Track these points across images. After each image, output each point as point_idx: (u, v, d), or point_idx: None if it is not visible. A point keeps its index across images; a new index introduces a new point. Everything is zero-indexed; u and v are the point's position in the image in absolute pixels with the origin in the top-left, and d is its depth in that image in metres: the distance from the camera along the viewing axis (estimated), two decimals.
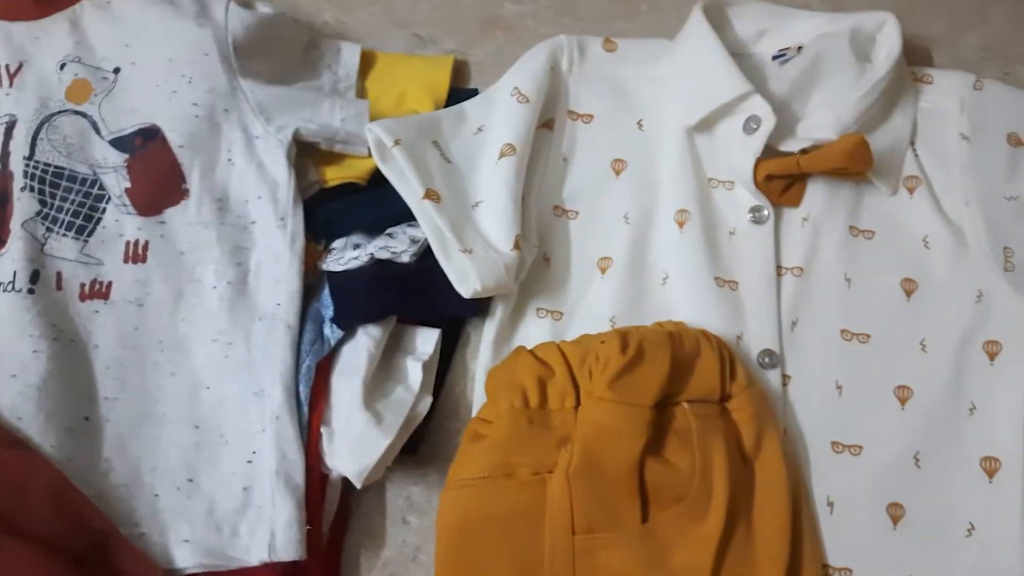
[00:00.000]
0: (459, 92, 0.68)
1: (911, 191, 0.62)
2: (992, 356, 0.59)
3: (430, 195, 0.57)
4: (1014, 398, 0.57)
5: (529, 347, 0.55)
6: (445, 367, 0.61)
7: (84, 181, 0.57)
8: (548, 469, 0.51)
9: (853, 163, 0.59)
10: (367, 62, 0.68)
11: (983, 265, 0.60)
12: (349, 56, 0.67)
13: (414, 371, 0.57)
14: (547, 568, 0.50)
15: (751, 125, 0.60)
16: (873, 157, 0.59)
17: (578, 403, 0.53)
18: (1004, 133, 0.63)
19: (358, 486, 0.53)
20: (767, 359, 0.58)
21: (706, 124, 0.62)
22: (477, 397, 0.59)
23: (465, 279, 0.55)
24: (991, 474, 0.56)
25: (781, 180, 0.61)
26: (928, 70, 0.65)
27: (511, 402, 0.52)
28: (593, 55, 0.66)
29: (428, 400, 0.57)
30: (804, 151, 0.59)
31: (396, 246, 0.58)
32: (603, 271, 0.61)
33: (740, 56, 0.66)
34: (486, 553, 0.51)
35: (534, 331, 0.60)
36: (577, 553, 0.50)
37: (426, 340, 0.59)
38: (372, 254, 0.58)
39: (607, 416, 0.51)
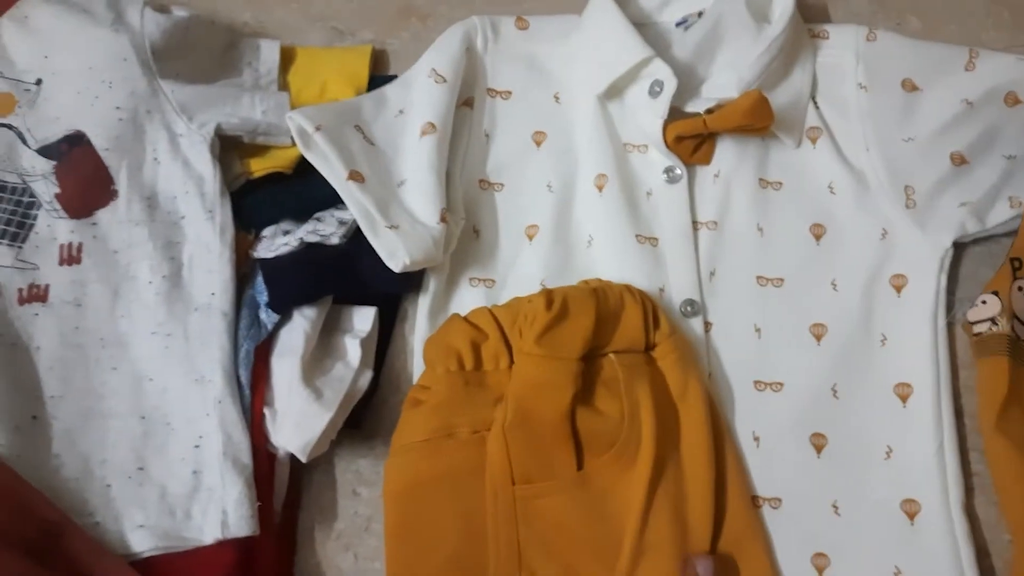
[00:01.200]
0: (379, 79, 0.70)
1: (814, 141, 0.65)
2: (898, 289, 0.62)
3: (354, 176, 0.59)
4: (920, 327, 0.61)
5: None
6: (385, 343, 0.63)
7: (14, 190, 0.59)
8: (487, 427, 0.54)
9: (755, 119, 0.61)
10: (287, 57, 0.70)
11: (885, 205, 0.63)
12: (269, 52, 0.69)
13: (352, 348, 0.60)
14: (490, 520, 0.53)
15: (655, 89, 0.63)
16: (774, 112, 0.62)
17: (512, 363, 0.55)
18: (899, 79, 0.66)
19: (303, 460, 0.55)
20: (689, 308, 0.61)
21: (614, 91, 0.65)
22: (417, 370, 0.61)
23: (394, 254, 0.57)
24: (904, 399, 0.60)
25: (691, 140, 0.64)
26: (824, 26, 0.69)
27: (447, 366, 0.55)
28: (507, 34, 0.69)
29: (368, 375, 0.59)
30: (709, 111, 0.62)
31: (324, 229, 0.61)
32: (531, 238, 0.64)
33: (644, 26, 0.68)
34: (433, 513, 0.53)
35: (468, 300, 0.62)
36: (518, 503, 0.53)
37: (363, 318, 0.61)
38: (302, 239, 0.60)
39: (537, 370, 0.54)
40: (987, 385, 0.59)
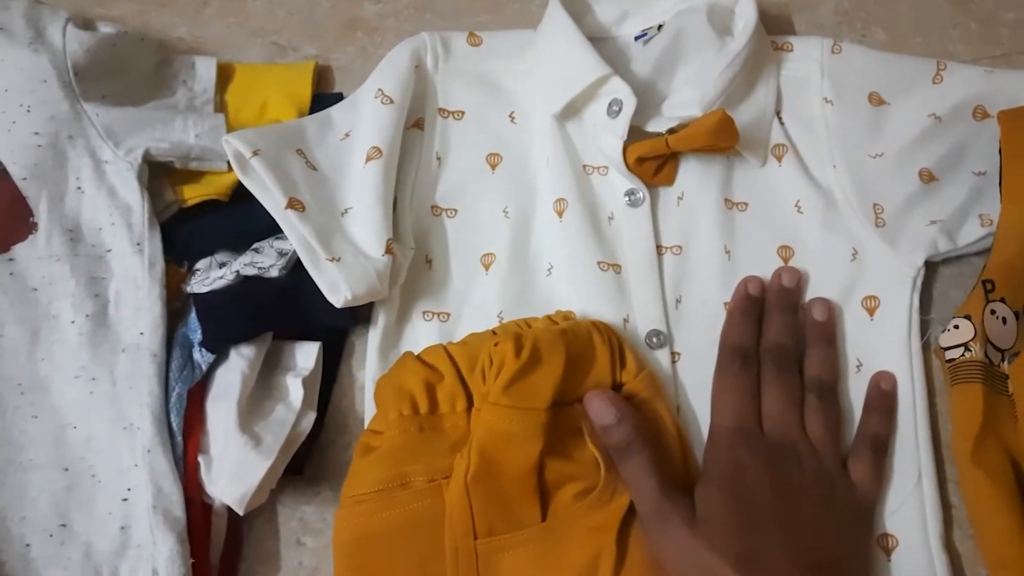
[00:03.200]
0: (324, 97, 0.66)
1: (779, 159, 0.63)
2: (871, 312, 0.59)
3: (293, 204, 0.55)
4: (895, 351, 0.58)
5: (417, 352, 0.54)
6: (330, 380, 0.60)
7: None
8: (443, 475, 0.50)
9: (719, 139, 0.59)
10: (225, 75, 0.66)
11: (854, 223, 0.61)
12: (204, 70, 0.65)
13: (294, 388, 0.56)
14: (450, 574, 0.49)
15: (613, 108, 0.60)
16: (739, 130, 0.59)
17: (470, 405, 0.52)
18: (866, 93, 0.64)
19: (240, 513, 0.51)
20: (655, 339, 0.58)
21: (571, 111, 0.62)
22: (367, 408, 0.57)
23: (336, 288, 0.54)
24: None
25: (653, 161, 0.61)
26: (788, 38, 0.66)
27: (399, 410, 0.51)
28: (458, 50, 0.65)
29: (311, 416, 0.56)
30: (672, 131, 0.59)
31: (263, 261, 0.57)
32: (487, 267, 0.60)
33: (603, 40, 0.65)
34: (387, 566, 0.49)
35: (422, 335, 0.59)
36: (480, 556, 0.49)
37: (306, 355, 0.58)
38: (238, 271, 0.56)
39: (503, 421, 0.50)
40: (961, 414, 0.57)
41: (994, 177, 0.60)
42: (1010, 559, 0.53)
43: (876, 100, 0.63)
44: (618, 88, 0.59)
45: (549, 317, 0.56)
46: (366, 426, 0.56)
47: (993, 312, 0.59)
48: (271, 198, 0.56)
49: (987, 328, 0.58)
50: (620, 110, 0.59)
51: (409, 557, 0.50)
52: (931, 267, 0.61)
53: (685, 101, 0.60)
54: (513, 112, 0.64)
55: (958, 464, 0.57)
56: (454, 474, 0.50)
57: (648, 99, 0.61)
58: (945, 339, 0.59)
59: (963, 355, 0.58)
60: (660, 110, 0.61)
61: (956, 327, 0.59)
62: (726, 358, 0.57)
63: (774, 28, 0.67)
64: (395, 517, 0.50)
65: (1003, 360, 0.58)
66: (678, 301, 0.59)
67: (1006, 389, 0.56)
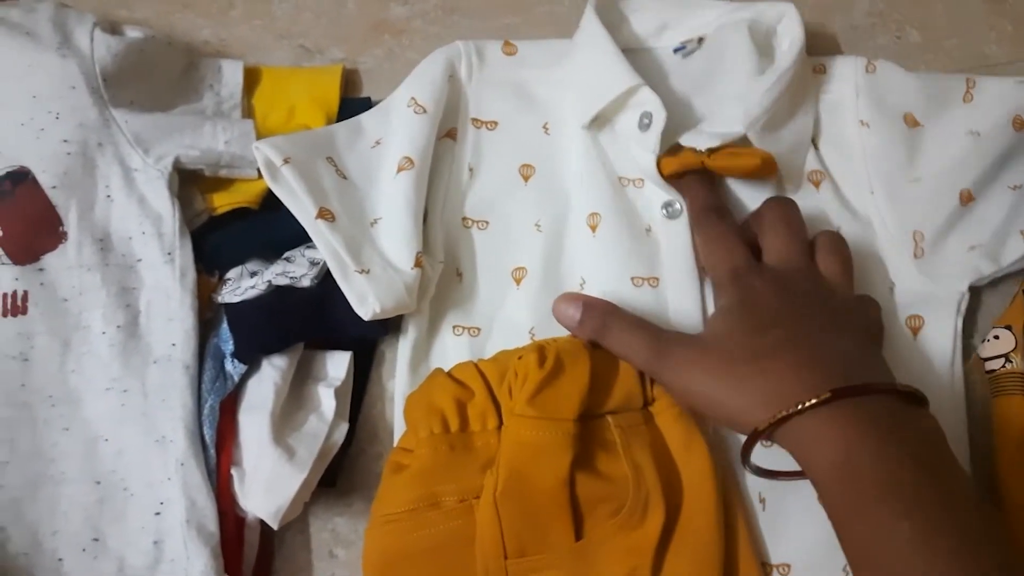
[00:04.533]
0: (351, 102, 0.65)
1: (817, 185, 0.61)
2: (915, 331, 0.58)
3: (323, 214, 0.54)
4: (938, 371, 0.57)
5: (447, 368, 0.53)
6: (360, 390, 0.59)
7: None
8: (475, 495, 0.49)
9: (756, 177, 0.58)
10: (252, 79, 0.64)
11: (892, 254, 0.60)
12: (231, 74, 0.63)
13: (326, 399, 0.55)
14: None
15: (644, 121, 0.58)
16: (777, 158, 0.58)
17: (501, 423, 0.51)
18: (901, 114, 0.62)
19: (275, 527, 0.51)
20: None
21: (603, 122, 0.61)
22: (397, 418, 0.56)
23: (364, 300, 0.53)
24: None
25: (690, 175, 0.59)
26: (821, 59, 0.64)
27: (430, 428, 0.50)
28: (493, 60, 0.64)
29: (344, 427, 0.55)
30: (712, 150, 0.57)
31: (295, 270, 0.56)
32: (518, 282, 0.59)
33: (639, 52, 0.64)
34: None
35: (452, 350, 0.58)
36: None
37: (337, 365, 0.57)
38: (270, 281, 0.56)
39: (530, 433, 0.49)
40: (1003, 426, 0.56)
41: None
42: None
43: (911, 121, 0.62)
44: (648, 100, 0.58)
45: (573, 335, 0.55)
46: (396, 437, 0.55)
47: None
48: (301, 207, 0.55)
49: None
50: (651, 123, 0.58)
51: None
52: (975, 290, 0.60)
53: (727, 118, 0.58)
54: (547, 123, 0.62)
55: (1000, 474, 0.56)
56: (484, 492, 0.49)
57: (685, 113, 0.60)
58: (985, 350, 0.58)
59: (1003, 367, 0.57)
60: (699, 125, 0.59)
61: (996, 337, 0.58)
62: (700, 215, 0.56)
63: (808, 30, 0.65)
64: (426, 538, 0.49)
65: None
66: None
67: None
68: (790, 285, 0.51)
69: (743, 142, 0.58)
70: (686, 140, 0.58)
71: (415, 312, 0.57)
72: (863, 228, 0.60)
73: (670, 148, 0.58)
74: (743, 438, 0.54)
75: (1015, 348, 0.57)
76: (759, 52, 0.61)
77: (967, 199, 0.60)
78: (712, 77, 0.61)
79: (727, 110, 0.59)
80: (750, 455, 0.47)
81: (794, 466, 0.46)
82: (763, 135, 0.58)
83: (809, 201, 0.60)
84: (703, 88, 0.61)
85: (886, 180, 0.61)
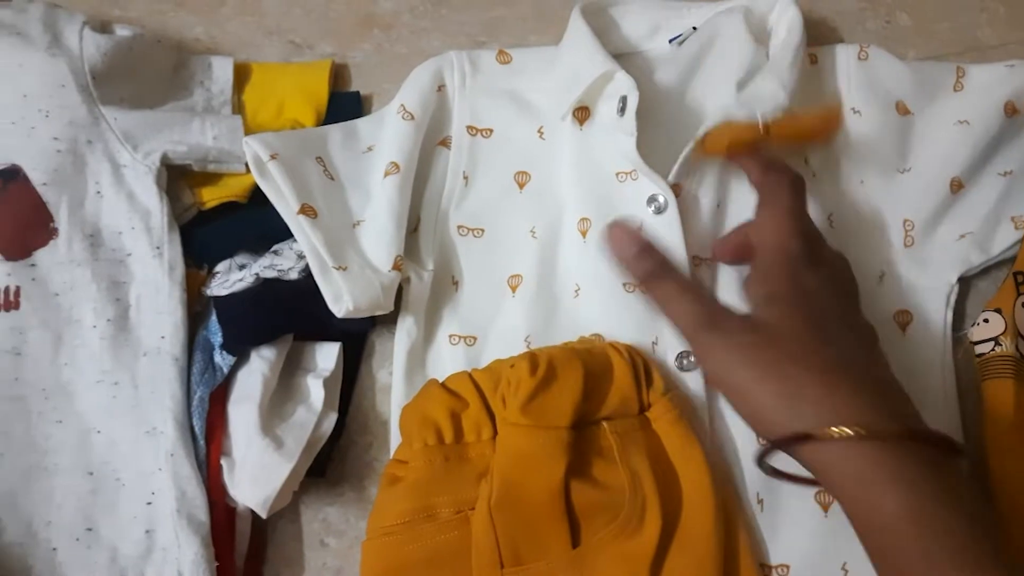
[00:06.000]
0: (340, 96, 0.66)
1: (813, 172, 0.61)
2: (903, 327, 0.58)
3: (305, 210, 0.55)
4: (929, 365, 0.57)
5: (442, 377, 0.53)
6: (351, 381, 0.60)
7: None
8: (470, 505, 0.49)
9: (827, 133, 0.57)
10: (242, 75, 0.65)
11: (882, 243, 0.59)
12: (221, 70, 0.64)
13: (315, 389, 0.56)
14: None
15: (619, 106, 0.57)
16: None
17: (495, 433, 0.51)
18: (892, 103, 0.61)
19: (264, 516, 0.52)
20: (685, 361, 0.55)
21: (590, 117, 0.60)
22: (388, 411, 0.57)
23: (339, 298, 0.53)
24: None
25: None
26: (812, 49, 0.63)
27: (424, 440, 0.50)
28: (487, 68, 0.64)
29: (333, 418, 0.56)
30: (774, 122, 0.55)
31: (282, 263, 0.57)
32: (514, 289, 0.59)
33: (630, 55, 0.64)
34: None
35: (448, 359, 0.58)
36: None
37: (326, 356, 0.58)
38: (258, 274, 0.56)
39: (523, 442, 0.49)
40: (992, 409, 0.56)
41: (1022, 176, 0.59)
42: None
43: (902, 109, 0.61)
44: (623, 84, 0.57)
45: (567, 343, 0.55)
46: (391, 432, 0.56)
47: None
48: (284, 202, 0.56)
49: (1018, 322, 0.57)
50: (625, 107, 0.57)
51: None
52: (964, 282, 0.60)
53: (769, 92, 0.56)
54: (541, 127, 0.62)
55: (990, 459, 0.56)
56: (479, 501, 0.49)
57: (679, 97, 0.60)
58: (975, 333, 0.58)
59: (993, 349, 0.57)
60: (734, 102, 0.57)
61: (986, 321, 0.58)
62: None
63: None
64: (422, 549, 0.49)
65: None
66: None
67: None
68: (839, 287, 0.48)
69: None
70: (714, 123, 0.56)
71: (410, 322, 0.57)
72: (855, 215, 0.60)
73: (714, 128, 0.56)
74: (742, 442, 0.54)
75: (1005, 331, 0.57)
76: (755, 37, 0.60)
77: (957, 187, 0.59)
78: (705, 58, 0.60)
79: (766, 85, 0.57)
80: (766, 458, 0.45)
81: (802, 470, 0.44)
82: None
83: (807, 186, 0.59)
84: (697, 69, 0.61)
85: (876, 170, 0.60)
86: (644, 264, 0.47)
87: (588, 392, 0.50)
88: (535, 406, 0.49)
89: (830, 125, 0.57)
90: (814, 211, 0.59)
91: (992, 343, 0.57)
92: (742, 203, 0.56)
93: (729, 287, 0.57)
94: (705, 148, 0.56)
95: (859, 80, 0.62)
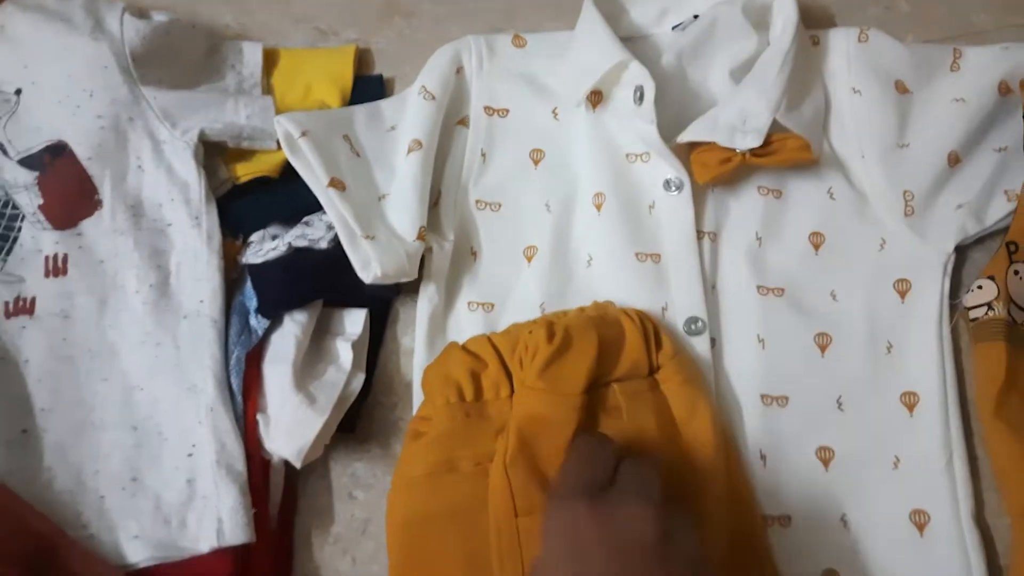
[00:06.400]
0: (364, 79, 0.69)
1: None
2: (903, 295, 0.61)
3: (334, 184, 0.58)
4: (926, 333, 0.60)
5: (462, 341, 0.57)
6: (377, 344, 0.63)
7: None
8: (489, 459, 0.53)
9: (800, 162, 0.61)
10: (270, 60, 0.69)
11: (884, 213, 0.62)
12: (251, 55, 0.68)
13: (344, 351, 0.59)
14: (494, 553, 0.51)
15: (637, 95, 0.61)
16: (803, 126, 0.61)
17: (512, 391, 0.54)
18: (891, 81, 0.64)
19: (297, 466, 0.55)
20: (693, 326, 0.59)
21: (605, 101, 0.64)
22: (413, 372, 0.60)
23: (367, 265, 0.56)
24: (911, 408, 0.58)
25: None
26: (813, 32, 0.67)
27: (446, 398, 0.54)
28: (503, 52, 0.67)
29: (361, 378, 0.59)
30: (755, 153, 0.59)
31: (313, 233, 0.60)
32: (529, 260, 0.62)
33: (640, 39, 0.67)
34: (437, 547, 0.52)
35: (467, 324, 0.61)
36: (522, 535, 0.51)
37: (354, 321, 0.61)
38: (290, 243, 0.60)
39: (539, 405, 0.52)
40: (984, 371, 0.59)
41: (1016, 152, 0.62)
42: None
43: (901, 88, 0.64)
44: (638, 73, 0.61)
45: (581, 308, 0.58)
46: (414, 393, 0.59)
47: (1016, 273, 0.60)
48: (314, 176, 0.59)
49: (1011, 288, 0.60)
50: (643, 96, 0.61)
51: (457, 538, 0.52)
52: (960, 251, 0.63)
53: (753, 112, 0.60)
54: (556, 108, 0.66)
55: (982, 419, 0.58)
56: (496, 456, 0.52)
57: (681, 84, 0.63)
58: (969, 299, 0.60)
59: (986, 314, 0.59)
60: (716, 108, 0.61)
61: (980, 287, 0.60)
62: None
63: (798, 4, 0.68)
64: (444, 499, 0.52)
65: None
66: (712, 287, 0.61)
67: None
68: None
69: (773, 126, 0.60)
70: (699, 135, 0.60)
71: (432, 290, 0.61)
72: (855, 188, 0.63)
73: (693, 147, 0.61)
74: (745, 401, 0.58)
75: (998, 296, 0.60)
76: (754, 28, 0.64)
77: (954, 161, 0.62)
78: (704, 49, 0.64)
79: (751, 104, 0.60)
80: None
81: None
82: (787, 114, 0.60)
83: (807, 165, 0.63)
84: (695, 57, 0.64)
85: (876, 146, 0.63)
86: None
87: (602, 356, 0.53)
88: (551, 372, 0.52)
89: (803, 156, 0.60)
90: (815, 185, 0.63)
91: (985, 307, 0.59)
92: (735, 179, 0.62)
93: (731, 263, 0.61)
94: (697, 181, 0.61)
95: (859, 60, 0.65)
